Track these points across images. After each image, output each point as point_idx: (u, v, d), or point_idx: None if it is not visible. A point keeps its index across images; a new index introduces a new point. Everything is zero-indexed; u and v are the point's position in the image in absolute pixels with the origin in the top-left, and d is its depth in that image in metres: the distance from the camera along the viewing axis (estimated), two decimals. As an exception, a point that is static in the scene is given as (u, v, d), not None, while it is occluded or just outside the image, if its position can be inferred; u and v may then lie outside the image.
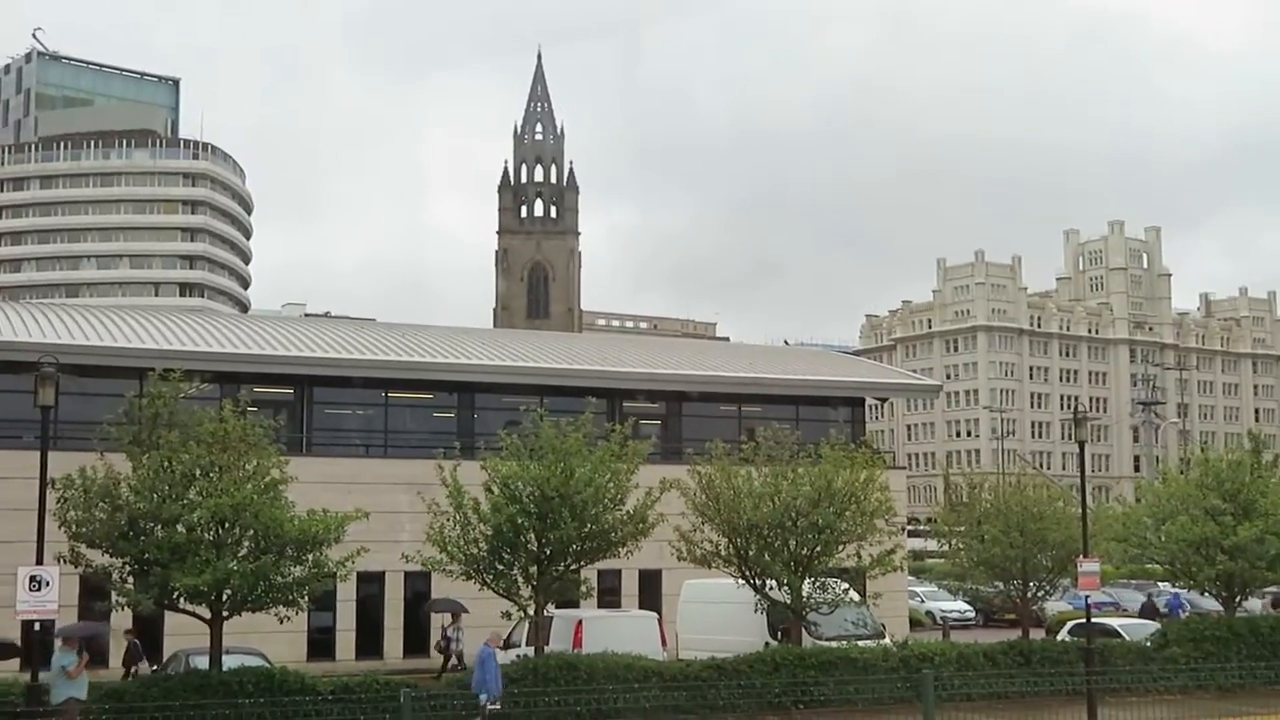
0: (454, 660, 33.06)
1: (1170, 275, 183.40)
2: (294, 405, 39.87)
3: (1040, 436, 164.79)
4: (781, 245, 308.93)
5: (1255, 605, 46.18)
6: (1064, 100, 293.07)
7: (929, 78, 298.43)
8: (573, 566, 27.72)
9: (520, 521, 26.49)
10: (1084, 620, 32.95)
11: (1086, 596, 29.52)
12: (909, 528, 47.23)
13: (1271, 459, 35.20)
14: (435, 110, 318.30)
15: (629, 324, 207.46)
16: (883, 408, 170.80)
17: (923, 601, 57.56)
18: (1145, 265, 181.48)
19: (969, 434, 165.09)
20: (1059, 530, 34.18)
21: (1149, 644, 32.71)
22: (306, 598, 25.35)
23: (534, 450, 27.46)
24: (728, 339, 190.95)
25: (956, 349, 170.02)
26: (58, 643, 22.84)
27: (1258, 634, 32.70)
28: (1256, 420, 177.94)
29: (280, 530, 23.94)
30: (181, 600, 24.11)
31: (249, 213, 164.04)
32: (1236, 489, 33.13)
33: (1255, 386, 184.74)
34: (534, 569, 27.13)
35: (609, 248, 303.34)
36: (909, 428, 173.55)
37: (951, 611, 55.63)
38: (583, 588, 30.14)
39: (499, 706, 23.25)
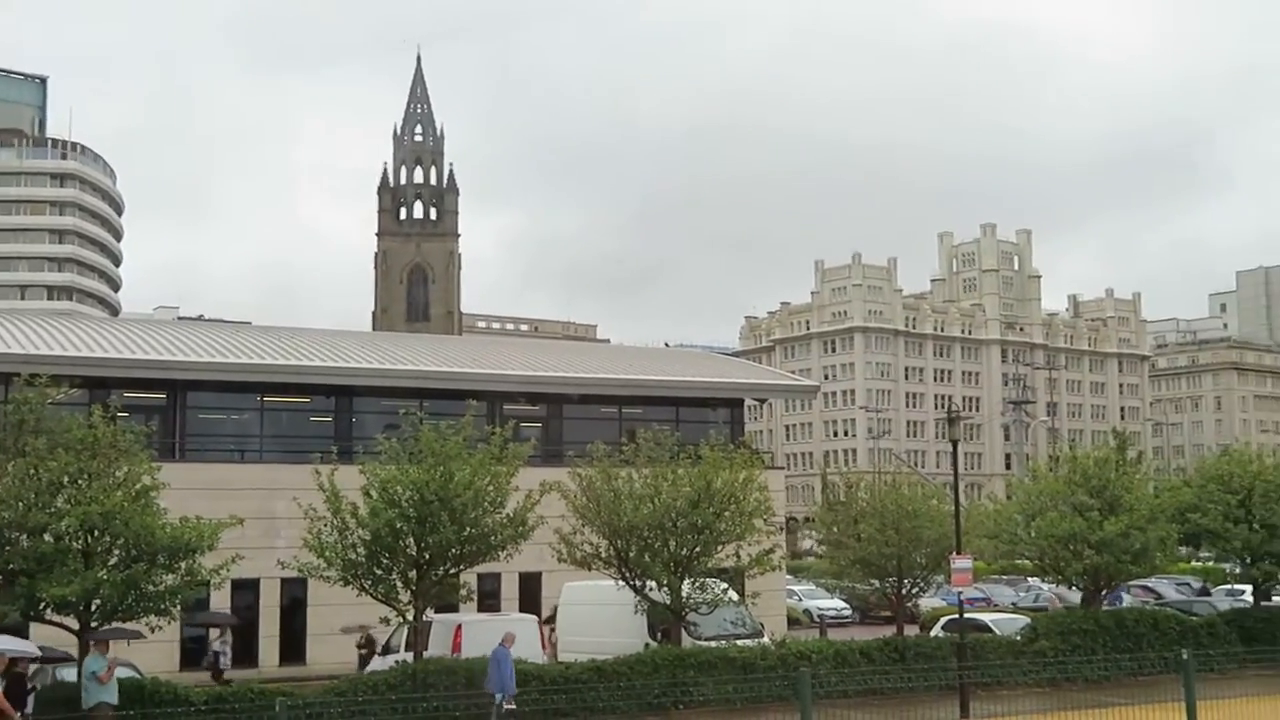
0: (223, 672, 33.61)
1: (1040, 277, 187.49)
2: (166, 410, 39.13)
3: (915, 436, 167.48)
4: (668, 248, 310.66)
5: (1124, 598, 47.51)
6: (946, 107, 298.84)
7: (815, 83, 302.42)
8: (452, 570, 27.58)
9: (399, 526, 26.27)
10: (957, 616, 33.62)
11: (959, 592, 30.08)
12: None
13: (1135, 456, 36.22)
14: (318, 112, 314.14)
15: (509, 326, 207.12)
16: (761, 408, 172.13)
17: (800, 600, 58.23)
18: (1016, 267, 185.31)
19: (846, 433, 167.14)
20: (933, 528, 34.82)
21: (1019, 638, 33.45)
22: (179, 607, 24.92)
23: (413, 454, 27.24)
24: (608, 341, 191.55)
25: (834, 350, 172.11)
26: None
27: (1123, 627, 33.66)
28: (1122, 418, 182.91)
29: (151, 538, 23.49)
30: (49, 611, 23.54)
31: (120, 214, 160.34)
32: (1103, 485, 34.04)
33: (1120, 385, 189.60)
34: (413, 573, 26.93)
35: (496, 250, 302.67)
36: (787, 428, 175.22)
37: (829, 609, 56.33)
38: (462, 591, 30.05)
39: (514, 706, 23.72)
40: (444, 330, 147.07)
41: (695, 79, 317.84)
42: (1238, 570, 41.01)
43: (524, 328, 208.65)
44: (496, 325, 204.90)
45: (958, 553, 29.63)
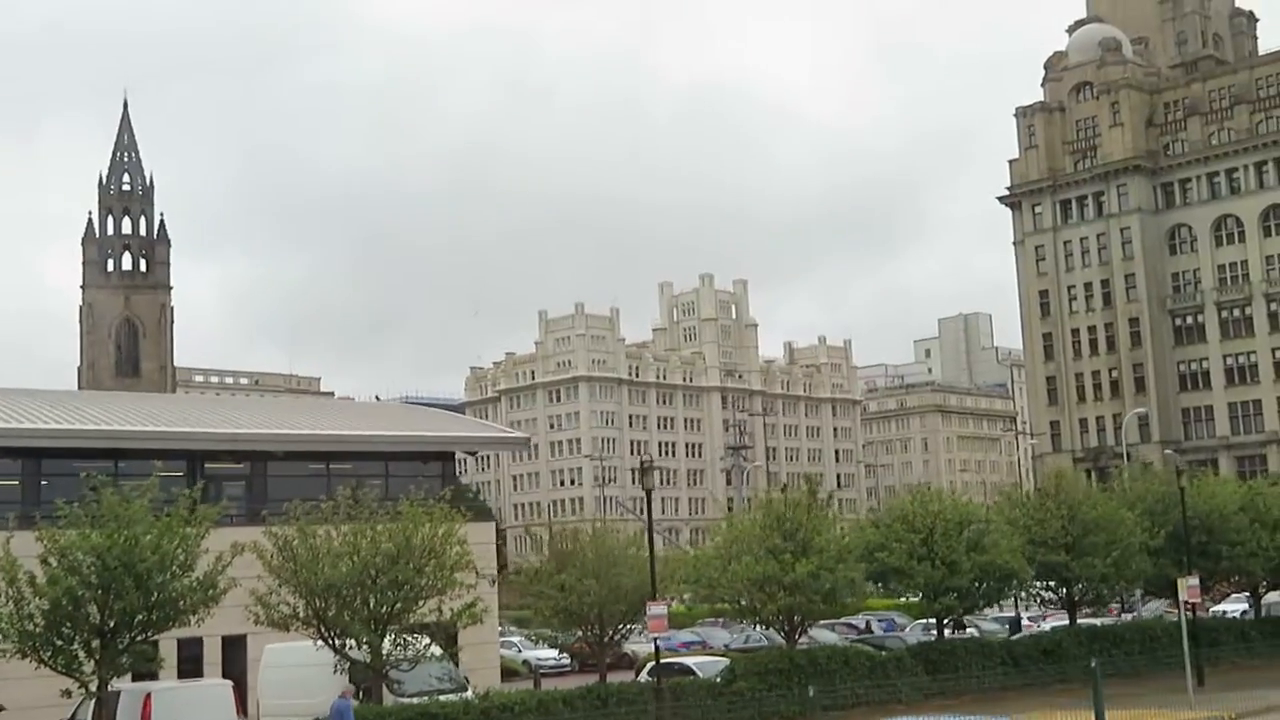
0: None
1: (757, 325, 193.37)
2: None
3: (640, 483, 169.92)
4: (401, 301, 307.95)
5: (828, 636, 49.32)
6: (673, 165, 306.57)
7: (546, 141, 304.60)
8: (139, 638, 26.72)
9: (81, 594, 25.37)
10: (665, 660, 34.39)
11: (655, 638, 30.80)
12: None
13: (825, 498, 37.74)
14: (24, 160, 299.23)
15: (229, 379, 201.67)
16: (490, 459, 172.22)
17: (519, 651, 58.29)
18: (734, 316, 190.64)
19: (573, 482, 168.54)
20: (632, 575, 35.53)
21: (719, 680, 34.38)
22: None
23: (95, 518, 26.35)
24: (333, 394, 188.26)
25: (559, 399, 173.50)
26: None
27: (815, 664, 35.00)
28: (836, 460, 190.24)
29: None
30: None
31: None
32: (795, 528, 35.39)
33: (835, 429, 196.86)
34: (97, 643, 26.01)
35: (224, 302, 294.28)
36: (514, 478, 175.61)
37: (547, 659, 56.54)
38: (156, 659, 29.11)
39: None
40: (157, 385, 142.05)
41: (434, 137, 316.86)
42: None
43: (244, 381, 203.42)
44: (215, 379, 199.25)
45: (653, 599, 30.34)
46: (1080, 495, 42.28)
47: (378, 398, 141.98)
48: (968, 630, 51.36)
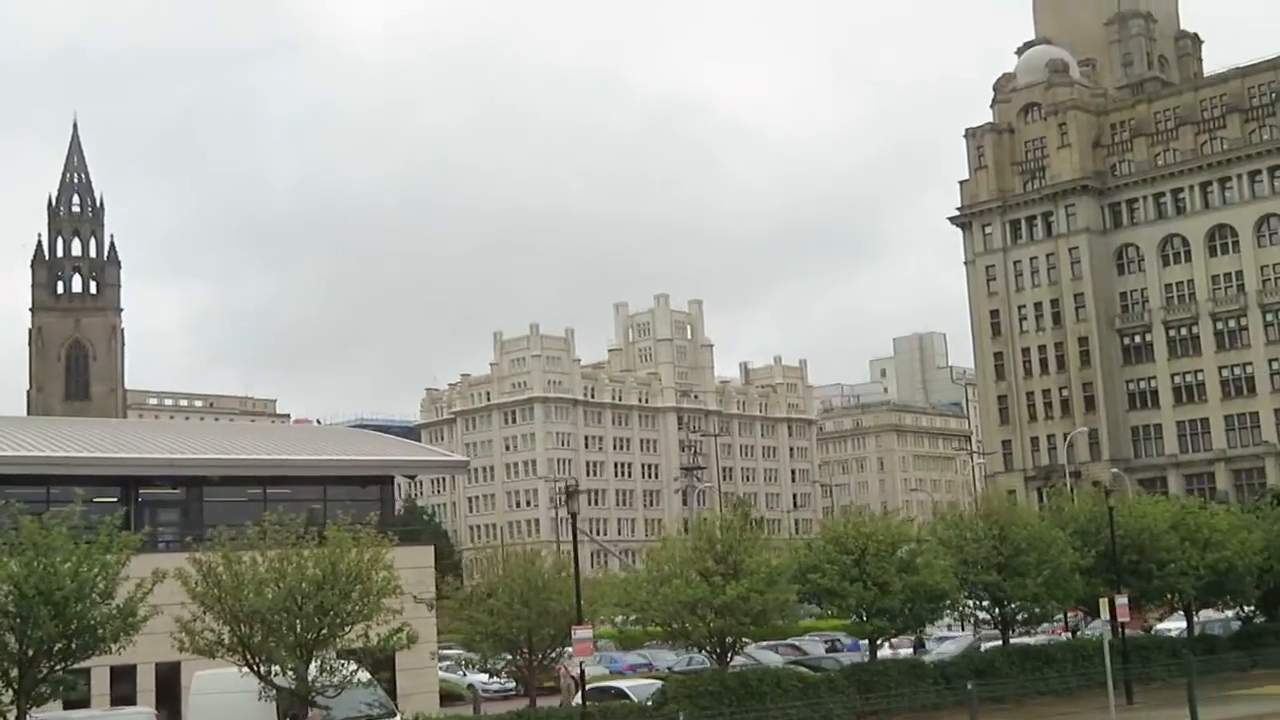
0: None
1: (712, 346, 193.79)
2: None
3: (596, 504, 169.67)
4: (363, 322, 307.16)
5: (770, 658, 49.45)
6: (634, 184, 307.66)
7: (510, 159, 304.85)
8: (58, 666, 26.58)
9: (-1, 622, 25.28)
10: (602, 684, 34.49)
11: (582, 662, 30.88)
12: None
13: (756, 520, 37.97)
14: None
15: (183, 402, 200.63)
16: (446, 481, 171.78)
17: (464, 675, 58.02)
18: (690, 336, 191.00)
19: (528, 504, 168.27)
20: (561, 600, 35.54)
21: (650, 703, 34.46)
22: None
23: (13, 546, 26.23)
24: (288, 416, 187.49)
25: (514, 420, 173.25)
26: None
27: (747, 686, 35.14)
28: (793, 480, 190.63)
29: None
30: None
31: None
32: (727, 551, 35.54)
33: (791, 449, 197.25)
34: (15, 672, 25.87)
35: (183, 324, 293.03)
36: (470, 500, 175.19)
37: (492, 683, 56.29)
38: (75, 688, 28.94)
39: None
40: (107, 408, 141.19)
41: (385, 153, 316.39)
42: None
43: (199, 403, 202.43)
44: (169, 401, 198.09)
45: (579, 623, 30.40)
46: (1011, 515, 42.62)
47: (319, 421, 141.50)
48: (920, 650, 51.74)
